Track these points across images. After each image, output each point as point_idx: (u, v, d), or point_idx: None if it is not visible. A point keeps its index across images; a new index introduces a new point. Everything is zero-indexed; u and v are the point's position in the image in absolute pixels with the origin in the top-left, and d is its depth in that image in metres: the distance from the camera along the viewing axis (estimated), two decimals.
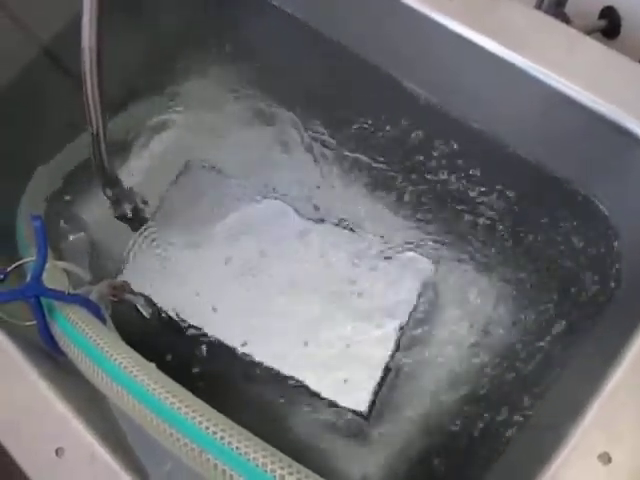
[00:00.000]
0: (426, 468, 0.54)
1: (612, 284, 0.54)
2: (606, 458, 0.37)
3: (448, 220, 0.61)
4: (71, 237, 0.64)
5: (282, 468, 0.33)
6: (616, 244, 0.55)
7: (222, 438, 0.34)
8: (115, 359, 0.39)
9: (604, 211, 0.56)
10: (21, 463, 0.40)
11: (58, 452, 0.40)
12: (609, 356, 0.41)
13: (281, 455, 0.34)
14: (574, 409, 0.39)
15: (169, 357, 0.56)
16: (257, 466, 0.33)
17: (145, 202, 0.60)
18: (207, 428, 0.34)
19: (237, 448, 0.33)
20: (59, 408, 0.42)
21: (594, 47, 0.51)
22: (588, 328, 0.52)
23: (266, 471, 0.32)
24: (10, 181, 0.63)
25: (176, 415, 0.35)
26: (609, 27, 0.62)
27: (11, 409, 0.42)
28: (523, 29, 0.52)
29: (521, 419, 0.51)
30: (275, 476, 0.32)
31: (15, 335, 0.45)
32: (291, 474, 0.32)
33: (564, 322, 0.55)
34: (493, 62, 0.53)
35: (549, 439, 0.40)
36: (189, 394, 0.37)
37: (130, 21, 0.73)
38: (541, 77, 0.51)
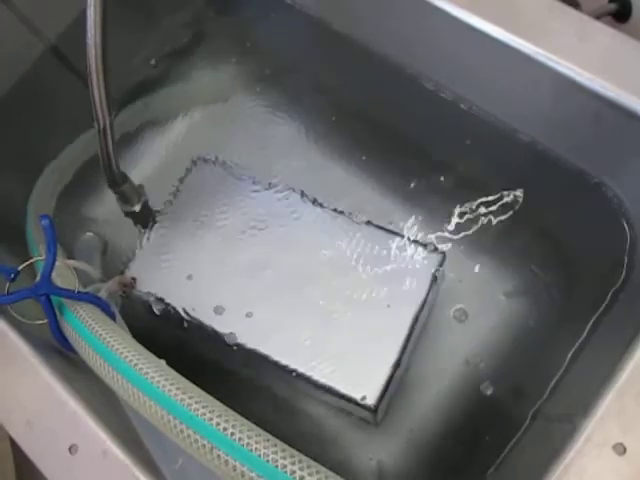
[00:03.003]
0: (439, 454, 0.54)
1: (625, 272, 0.53)
2: (621, 449, 0.37)
3: (458, 210, 0.60)
4: (81, 235, 0.64)
5: (293, 463, 0.32)
6: (629, 231, 0.54)
7: (233, 434, 0.34)
8: (125, 356, 0.39)
9: (616, 197, 0.55)
10: (35, 461, 0.41)
11: (71, 449, 0.40)
12: (623, 345, 0.41)
13: (292, 451, 0.33)
14: (588, 400, 0.39)
15: (179, 353, 0.56)
16: (268, 462, 0.33)
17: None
18: (218, 424, 0.34)
19: (248, 444, 0.33)
20: (72, 405, 0.42)
21: (604, 32, 0.50)
22: (601, 317, 0.52)
23: (277, 466, 0.32)
24: (19, 179, 0.63)
25: (186, 412, 0.35)
26: (620, 10, 0.61)
27: (24, 407, 0.42)
28: (531, 15, 0.51)
29: (534, 410, 0.51)
30: (286, 471, 0.32)
31: (27, 334, 0.45)
32: (302, 469, 0.32)
33: (576, 311, 0.54)
34: (502, 49, 0.52)
35: (563, 430, 0.40)
36: (199, 390, 0.37)
37: (139, 15, 0.73)
38: (551, 64, 0.50)
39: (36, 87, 0.66)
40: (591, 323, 0.52)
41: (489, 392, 0.54)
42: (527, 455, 0.48)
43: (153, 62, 0.73)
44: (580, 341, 0.52)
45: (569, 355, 0.52)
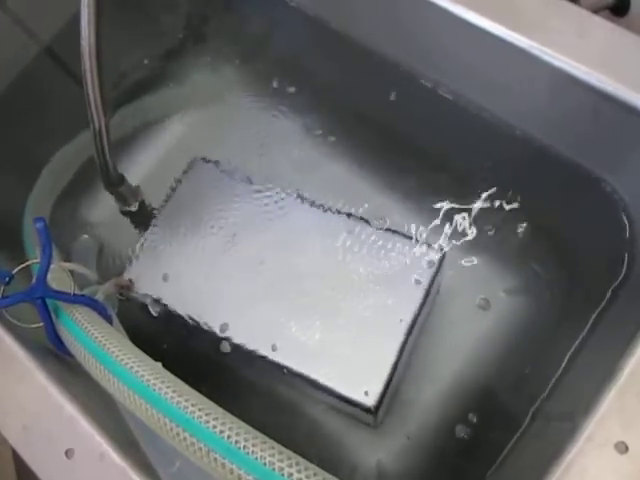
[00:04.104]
0: (439, 455, 0.54)
1: (626, 268, 0.53)
2: (623, 447, 0.37)
3: (457, 208, 0.60)
4: (78, 237, 0.64)
5: (290, 466, 0.32)
6: (629, 227, 0.54)
7: (229, 437, 0.33)
8: (121, 359, 0.38)
9: (616, 193, 0.55)
10: (32, 465, 0.41)
11: (68, 453, 0.40)
12: (623, 343, 0.40)
13: (290, 453, 0.33)
14: (588, 398, 0.39)
15: (177, 354, 0.56)
16: (265, 464, 0.32)
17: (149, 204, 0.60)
18: (214, 427, 0.34)
19: (245, 447, 0.33)
20: (68, 409, 0.42)
21: (602, 26, 0.50)
22: (601, 314, 0.52)
23: (274, 469, 0.32)
24: (16, 181, 0.63)
25: (183, 415, 0.35)
26: (618, 4, 0.60)
27: (21, 411, 0.42)
28: (529, 9, 0.51)
29: (534, 409, 0.51)
30: (284, 474, 0.32)
31: (23, 337, 0.45)
32: (299, 472, 0.32)
33: (577, 309, 0.54)
34: (500, 45, 0.52)
35: (564, 429, 0.40)
36: (196, 393, 0.37)
37: (136, 15, 0.73)
38: (548, 58, 0.50)
39: (31, 89, 0.66)
40: (591, 320, 0.52)
41: (489, 391, 0.54)
42: (527, 454, 0.47)
43: (150, 62, 0.73)
44: (580, 339, 0.51)
45: (569, 353, 0.51)
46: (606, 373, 0.39)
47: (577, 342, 0.51)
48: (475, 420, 0.53)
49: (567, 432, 0.38)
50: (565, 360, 0.51)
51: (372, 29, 0.63)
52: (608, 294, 0.52)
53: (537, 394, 0.51)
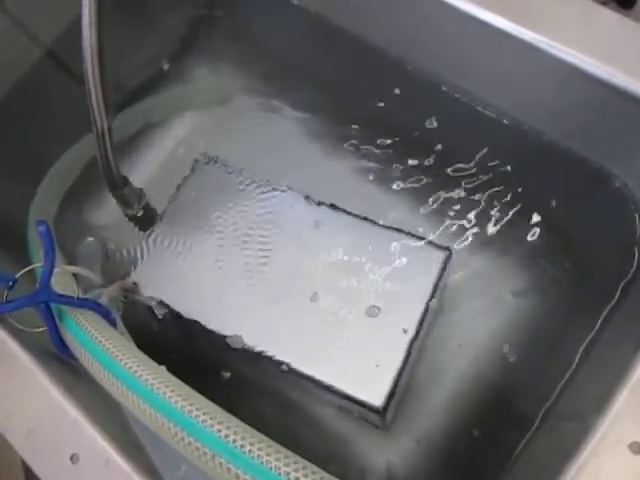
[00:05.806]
0: (449, 456, 0.54)
1: (636, 266, 0.52)
2: (637, 447, 0.36)
3: (463, 207, 0.60)
4: (82, 240, 0.64)
5: (297, 470, 0.32)
6: (639, 224, 0.53)
7: (235, 441, 0.33)
8: (125, 363, 0.38)
9: (626, 188, 0.54)
10: (37, 470, 0.40)
11: (73, 458, 0.40)
12: (634, 341, 0.40)
13: (296, 457, 0.33)
14: (601, 398, 0.38)
15: (182, 357, 0.55)
16: (271, 469, 0.32)
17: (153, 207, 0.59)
18: (219, 431, 0.33)
19: (250, 451, 0.32)
20: (73, 414, 0.41)
21: (610, 18, 0.49)
22: (612, 312, 0.51)
23: (280, 474, 0.32)
24: (19, 184, 0.63)
25: (187, 419, 0.34)
26: None
27: (25, 416, 0.42)
28: (535, 2, 0.50)
29: (545, 408, 0.50)
30: (290, 478, 0.31)
31: (27, 342, 0.45)
32: (306, 476, 0.31)
33: (586, 307, 0.53)
34: (505, 39, 0.51)
35: (576, 429, 0.39)
36: (201, 397, 0.36)
37: (138, 17, 0.73)
38: (555, 52, 0.49)
39: (33, 91, 0.65)
40: (601, 319, 0.51)
41: (499, 391, 0.54)
42: (539, 455, 0.47)
43: (152, 63, 0.73)
44: (591, 337, 0.51)
45: (580, 352, 0.50)
46: (618, 372, 0.38)
47: (587, 340, 0.51)
48: (486, 421, 0.52)
49: (579, 432, 0.38)
50: (576, 359, 0.50)
51: (375, 26, 0.63)
52: (618, 292, 0.51)
53: (548, 394, 0.50)
